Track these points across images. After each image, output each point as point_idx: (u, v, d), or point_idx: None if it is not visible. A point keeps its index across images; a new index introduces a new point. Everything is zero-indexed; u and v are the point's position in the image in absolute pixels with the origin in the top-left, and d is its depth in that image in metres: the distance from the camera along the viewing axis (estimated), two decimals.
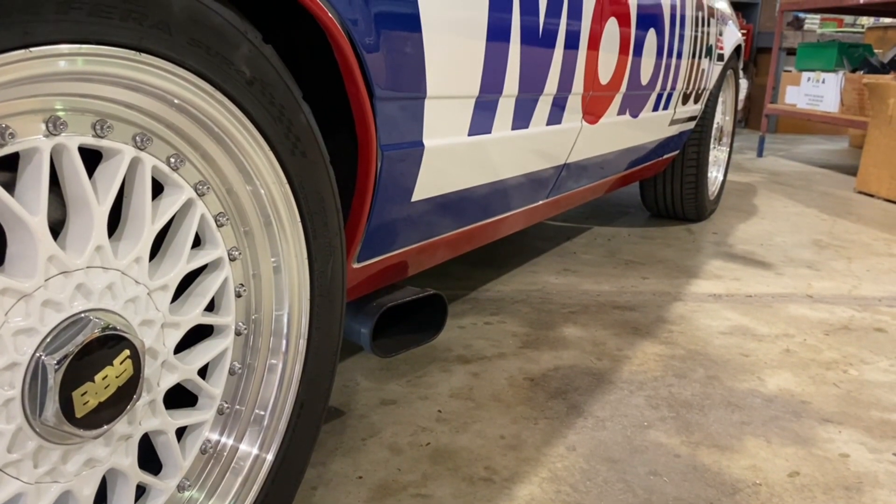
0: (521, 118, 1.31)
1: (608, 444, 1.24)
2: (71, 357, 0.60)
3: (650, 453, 1.21)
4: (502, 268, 2.24)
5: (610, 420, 1.32)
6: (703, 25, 2.37)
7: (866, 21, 6.95)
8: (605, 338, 1.70)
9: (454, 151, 1.13)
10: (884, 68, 4.66)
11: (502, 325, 1.75)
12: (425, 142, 1.04)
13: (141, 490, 0.74)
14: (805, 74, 4.96)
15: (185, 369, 0.74)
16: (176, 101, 0.66)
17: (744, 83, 3.29)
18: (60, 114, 0.59)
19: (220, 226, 0.76)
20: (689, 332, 1.76)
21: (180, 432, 0.77)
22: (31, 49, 0.51)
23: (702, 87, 2.52)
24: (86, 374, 0.61)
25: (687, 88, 2.32)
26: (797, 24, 6.95)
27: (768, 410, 1.39)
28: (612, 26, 1.58)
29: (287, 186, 0.78)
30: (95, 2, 0.55)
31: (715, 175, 3.11)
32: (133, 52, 0.59)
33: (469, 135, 1.15)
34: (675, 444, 1.25)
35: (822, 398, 1.45)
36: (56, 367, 0.59)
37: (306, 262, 0.83)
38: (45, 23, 0.51)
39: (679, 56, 2.13)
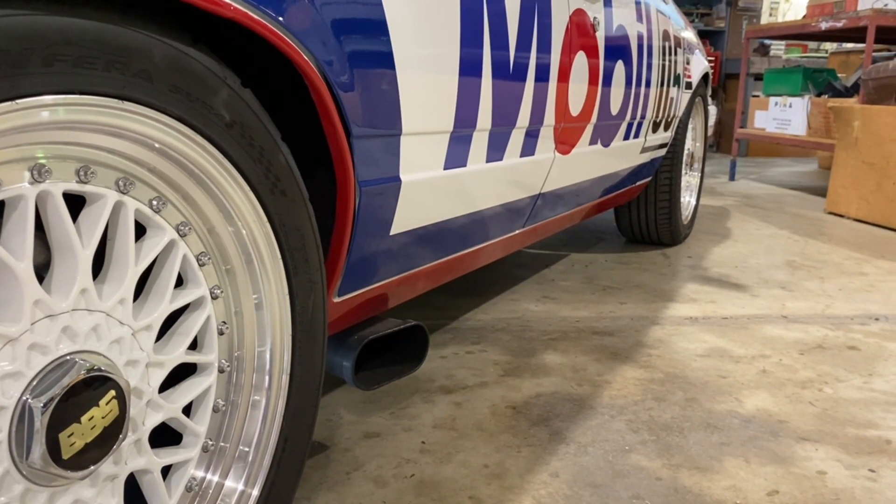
0: (495, 151, 1.34)
1: (591, 469, 1.25)
2: (57, 399, 0.61)
3: (632, 477, 1.23)
4: (482, 296, 2.26)
5: (592, 445, 1.34)
6: (670, 55, 2.43)
7: (829, 46, 7.15)
8: (585, 363, 1.72)
9: (431, 185, 1.15)
10: (847, 92, 4.79)
11: (483, 354, 1.77)
12: (402, 177, 1.06)
13: None
14: (772, 99, 5.08)
15: (169, 408, 0.75)
16: (157, 145, 0.68)
17: (713, 109, 3.38)
18: (45, 161, 0.61)
19: (201, 265, 0.77)
20: (668, 356, 1.79)
21: (166, 470, 0.78)
22: (18, 101, 0.53)
23: (671, 115, 2.58)
24: (72, 415, 0.62)
25: (657, 117, 2.38)
26: (763, 51, 7.13)
27: (747, 431, 1.41)
28: (581, 59, 1.63)
29: (267, 225, 0.79)
30: (80, 53, 0.57)
31: (688, 200, 3.17)
32: (116, 100, 0.61)
33: (445, 168, 1.18)
34: (656, 467, 1.27)
35: (799, 417, 1.48)
36: (42, 409, 0.60)
37: (287, 298, 0.85)
38: (31, 75, 0.53)
39: (648, 86, 2.18)
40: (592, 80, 1.72)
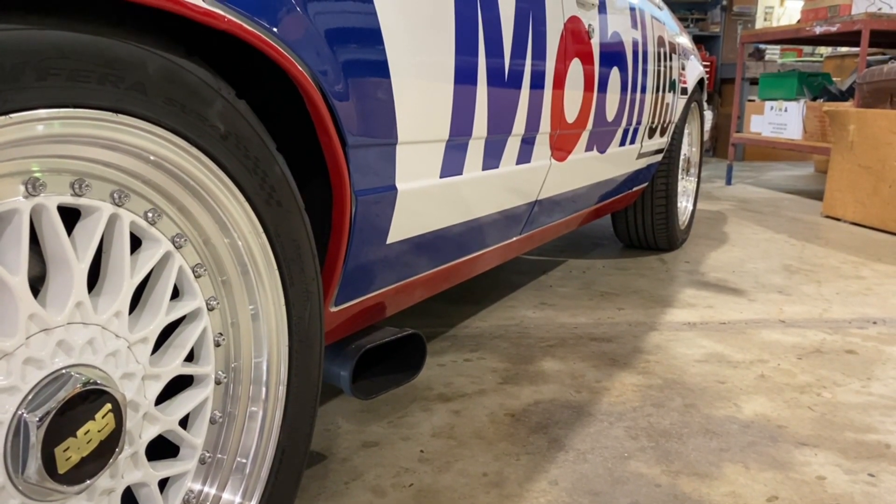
0: (492, 158, 1.34)
1: (590, 476, 1.25)
2: (53, 413, 0.60)
3: (631, 484, 1.23)
4: (480, 303, 2.25)
5: (591, 452, 1.33)
6: (665, 61, 2.44)
7: (824, 50, 7.18)
8: (584, 370, 1.72)
9: (427, 193, 1.15)
10: (842, 96, 4.80)
11: (482, 362, 1.76)
12: (398, 185, 1.06)
13: None
14: (768, 104, 5.10)
15: (166, 420, 0.75)
16: (152, 157, 0.68)
17: (709, 114, 3.38)
18: (39, 175, 0.60)
19: (197, 276, 0.77)
20: (666, 362, 1.79)
21: (163, 483, 0.77)
22: (12, 115, 0.53)
23: (667, 120, 2.58)
24: (68, 429, 0.62)
25: (652, 123, 2.38)
26: (758, 55, 7.15)
27: (745, 436, 1.41)
28: (576, 66, 1.63)
29: (263, 236, 0.79)
30: (73, 67, 0.56)
31: (685, 205, 3.17)
32: (111, 113, 0.61)
33: (441, 177, 1.18)
34: (655, 473, 1.26)
35: (798, 422, 1.47)
36: (38, 423, 0.59)
37: (284, 308, 0.84)
38: (25, 89, 0.53)
39: (643, 92, 2.19)
40: (588, 87, 1.72)
